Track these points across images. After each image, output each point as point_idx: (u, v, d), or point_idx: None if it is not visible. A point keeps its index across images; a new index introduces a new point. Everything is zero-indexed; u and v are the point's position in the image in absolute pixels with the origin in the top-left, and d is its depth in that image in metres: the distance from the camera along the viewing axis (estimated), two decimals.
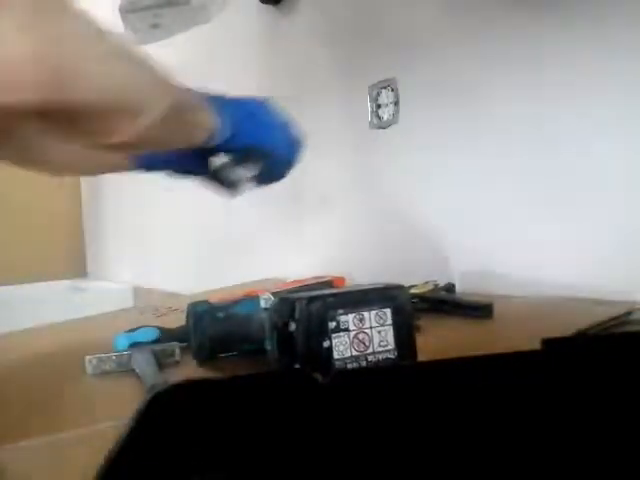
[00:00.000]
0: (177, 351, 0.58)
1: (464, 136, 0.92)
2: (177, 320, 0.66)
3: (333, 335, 0.42)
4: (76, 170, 0.76)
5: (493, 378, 0.30)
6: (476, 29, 0.88)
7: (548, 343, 0.30)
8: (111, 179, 2.15)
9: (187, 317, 0.59)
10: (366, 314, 0.44)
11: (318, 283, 0.84)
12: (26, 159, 0.70)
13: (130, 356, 0.56)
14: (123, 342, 0.61)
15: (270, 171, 0.68)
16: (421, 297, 0.77)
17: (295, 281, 0.90)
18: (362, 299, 0.44)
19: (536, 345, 0.30)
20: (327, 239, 1.20)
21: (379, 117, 1.06)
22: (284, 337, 0.44)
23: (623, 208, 0.74)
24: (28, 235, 2.18)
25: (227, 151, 0.63)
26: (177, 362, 0.58)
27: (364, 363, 0.43)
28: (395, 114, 1.02)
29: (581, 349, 0.31)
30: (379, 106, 1.05)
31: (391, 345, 0.44)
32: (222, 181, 0.67)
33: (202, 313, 0.57)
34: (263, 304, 0.56)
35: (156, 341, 0.62)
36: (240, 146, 0.62)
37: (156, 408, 0.26)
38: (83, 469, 0.24)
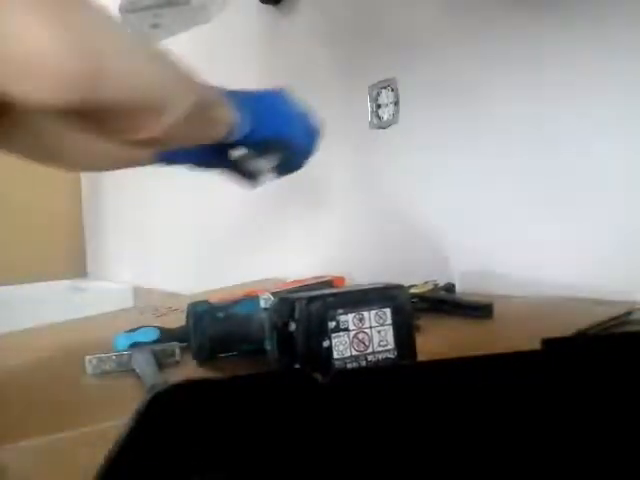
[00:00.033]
0: (177, 351, 0.58)
1: (464, 136, 0.92)
2: (177, 320, 0.66)
3: (333, 335, 0.42)
4: (96, 165, 0.77)
5: (493, 378, 0.30)
6: (476, 29, 0.88)
7: (548, 343, 0.30)
8: (111, 179, 2.15)
9: (187, 317, 0.59)
10: (366, 314, 0.44)
11: (318, 283, 0.84)
12: (43, 153, 0.70)
13: (130, 356, 0.56)
14: (123, 342, 0.61)
15: (289, 161, 0.69)
16: (421, 297, 0.77)
17: (295, 281, 0.90)
18: (362, 299, 0.44)
19: (536, 345, 0.30)
20: (327, 239, 1.20)
21: (379, 117, 1.06)
22: (284, 337, 0.44)
23: (623, 208, 0.74)
24: (28, 235, 2.18)
25: (247, 145, 0.64)
26: (177, 362, 0.58)
27: (364, 363, 0.43)
28: (395, 114, 1.02)
29: (581, 349, 0.31)
30: (379, 106, 1.05)
31: (391, 345, 0.44)
32: (242, 172, 0.68)
33: (202, 313, 0.57)
34: (263, 304, 0.56)
35: (156, 341, 0.62)
36: (259, 139, 0.63)
37: (156, 408, 0.26)
38: (83, 469, 0.24)
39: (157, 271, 1.88)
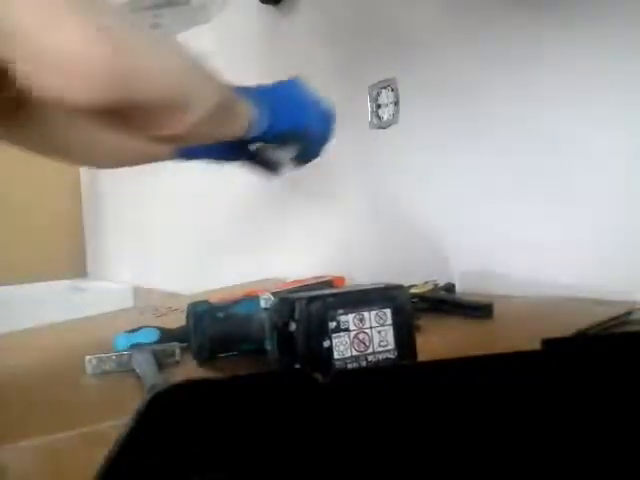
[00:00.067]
0: (177, 351, 0.58)
1: (464, 136, 0.92)
2: (177, 320, 0.66)
3: (333, 335, 0.42)
4: (117, 161, 0.78)
5: (493, 378, 0.30)
6: (476, 29, 0.88)
7: (548, 343, 0.30)
8: (111, 179, 2.15)
9: (187, 317, 0.59)
10: (366, 314, 0.44)
11: (318, 283, 0.84)
12: (58, 149, 0.71)
13: (130, 356, 0.56)
14: (123, 342, 0.61)
15: (308, 150, 0.71)
16: (421, 297, 0.77)
17: (295, 281, 0.89)
18: (362, 299, 0.44)
19: (536, 345, 0.30)
20: (327, 239, 1.20)
21: (379, 117, 1.06)
22: (284, 337, 0.44)
23: (623, 208, 0.74)
24: (28, 235, 2.18)
25: (265, 139, 0.65)
26: (177, 362, 0.58)
27: (364, 363, 0.43)
28: (395, 114, 1.02)
29: (581, 349, 0.31)
30: (379, 106, 1.05)
31: (391, 345, 0.44)
32: (262, 164, 0.70)
33: (202, 313, 0.57)
34: (263, 304, 0.56)
35: (156, 342, 0.62)
36: (277, 132, 0.64)
37: (156, 408, 0.26)
38: (83, 469, 0.24)
39: (157, 271, 1.88)
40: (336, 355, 0.42)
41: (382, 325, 0.44)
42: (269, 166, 0.70)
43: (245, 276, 1.21)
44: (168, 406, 0.27)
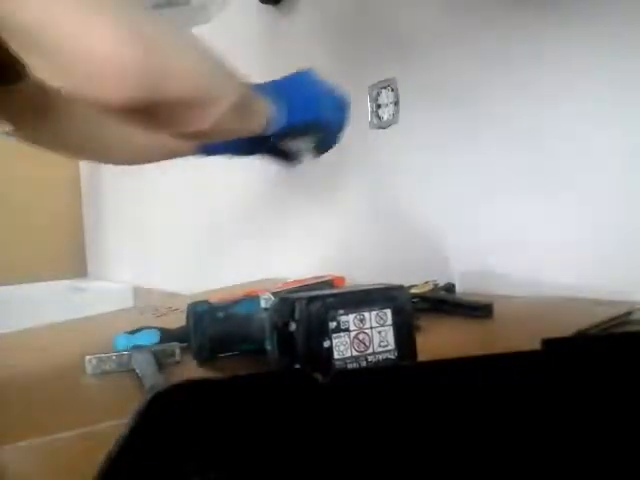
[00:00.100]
0: (177, 351, 0.58)
1: (464, 136, 0.92)
2: (177, 320, 0.66)
3: (333, 335, 0.42)
4: (139, 157, 0.79)
5: (493, 378, 0.30)
6: (476, 29, 0.88)
7: (548, 343, 0.30)
8: (111, 179, 2.15)
9: (187, 317, 0.59)
10: (366, 314, 0.44)
11: (318, 283, 0.84)
12: (79, 146, 0.72)
13: (130, 356, 0.56)
14: (123, 343, 0.61)
15: (325, 139, 0.73)
16: (421, 297, 0.77)
17: (295, 281, 0.89)
18: (362, 299, 0.44)
19: (536, 345, 0.30)
20: (327, 239, 1.20)
21: (379, 117, 1.06)
22: (284, 337, 0.44)
23: (623, 207, 0.74)
24: (28, 235, 2.18)
25: (284, 134, 0.66)
26: (177, 362, 0.58)
27: (364, 363, 0.43)
28: (395, 114, 1.02)
29: (581, 349, 0.31)
30: (379, 106, 1.05)
31: (391, 345, 0.44)
32: (281, 156, 0.72)
33: (202, 313, 0.57)
34: (263, 304, 0.56)
35: (157, 343, 0.62)
36: (295, 126, 0.66)
37: (156, 408, 0.26)
38: (83, 469, 0.24)
39: (157, 271, 1.88)
40: (336, 355, 0.42)
41: (382, 325, 0.44)
42: (288, 157, 0.72)
43: (245, 276, 1.21)
44: (168, 406, 0.27)
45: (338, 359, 0.42)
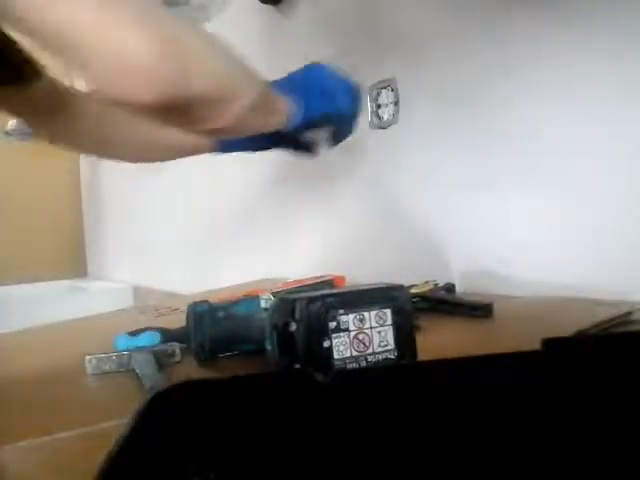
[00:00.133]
0: (177, 351, 0.58)
1: (464, 136, 0.92)
2: (177, 320, 0.66)
3: (333, 335, 0.42)
4: (158, 155, 0.81)
5: (493, 378, 0.30)
6: (476, 29, 0.88)
7: (548, 343, 0.30)
8: (111, 179, 2.15)
9: (187, 317, 0.59)
10: (366, 314, 0.44)
11: (318, 283, 0.84)
12: (94, 144, 0.73)
13: (130, 356, 0.56)
14: (123, 343, 0.61)
15: (341, 129, 0.75)
16: (421, 297, 0.77)
17: (295, 281, 0.90)
18: (362, 299, 0.44)
19: (536, 345, 0.30)
20: (327, 239, 1.20)
21: (379, 117, 1.06)
22: (284, 337, 0.44)
23: (623, 208, 0.74)
24: (28, 235, 2.18)
25: (301, 128, 0.68)
26: (177, 362, 0.58)
27: (364, 363, 0.43)
28: (395, 114, 1.02)
29: (581, 349, 0.31)
30: (379, 106, 1.05)
31: (391, 345, 0.44)
32: (298, 148, 0.75)
33: (202, 313, 0.57)
34: (263, 304, 0.56)
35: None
36: (312, 120, 0.67)
37: (156, 408, 0.26)
38: (83, 469, 0.24)
39: (157, 271, 1.88)
40: (336, 355, 0.42)
41: (382, 325, 0.44)
42: (306, 149, 0.74)
43: (245, 276, 1.21)
44: (168, 406, 0.27)
45: (338, 359, 0.42)
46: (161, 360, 0.56)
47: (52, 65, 0.60)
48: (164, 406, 0.27)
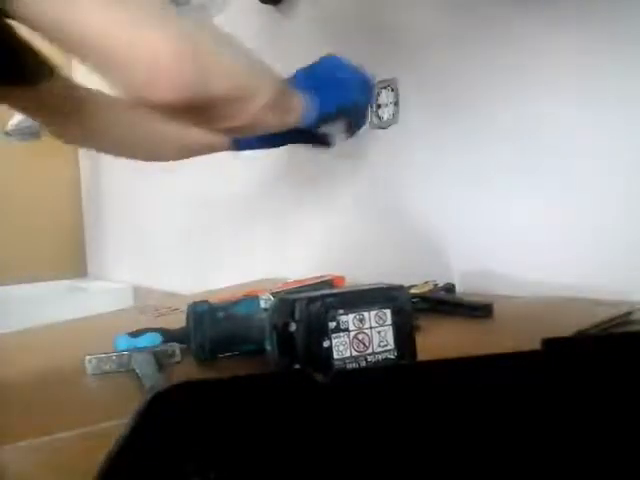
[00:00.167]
0: (177, 352, 0.58)
1: (464, 136, 0.92)
2: (177, 320, 0.66)
3: (333, 335, 0.42)
4: (173, 153, 0.81)
5: (493, 378, 0.30)
6: (476, 29, 0.88)
7: (548, 343, 0.30)
8: (111, 179, 2.15)
9: (187, 317, 0.59)
10: (366, 314, 0.44)
11: (318, 283, 0.84)
12: (109, 143, 0.74)
13: (130, 356, 0.56)
14: (124, 343, 0.61)
15: (356, 120, 0.76)
16: (421, 297, 0.77)
17: (295, 281, 0.90)
18: (362, 299, 0.44)
19: (536, 345, 0.30)
20: (327, 239, 1.20)
21: (379, 117, 1.06)
22: (284, 337, 0.44)
23: (623, 208, 0.74)
24: (28, 235, 2.18)
25: (318, 123, 0.69)
26: (177, 363, 0.58)
27: (364, 363, 0.43)
28: (395, 114, 1.02)
29: (581, 349, 0.31)
30: (379, 106, 1.05)
31: (391, 345, 0.44)
32: (315, 142, 0.76)
33: (202, 313, 0.57)
34: (263, 304, 0.56)
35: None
36: (327, 114, 0.69)
37: (156, 408, 0.26)
38: (83, 469, 0.24)
39: (157, 271, 1.87)
40: (335, 355, 0.42)
41: (382, 325, 0.44)
42: (321, 142, 0.75)
43: (245, 276, 1.21)
44: (168, 406, 0.27)
45: (337, 359, 0.42)
46: (161, 360, 0.56)
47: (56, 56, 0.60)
48: (164, 406, 0.27)
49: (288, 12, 1.25)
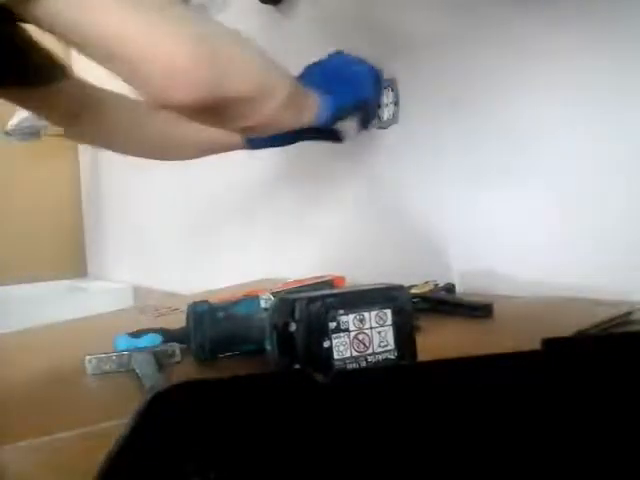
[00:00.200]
0: (177, 352, 0.58)
1: (464, 136, 0.92)
2: (177, 320, 0.66)
3: (333, 335, 0.42)
4: (187, 152, 0.82)
5: (493, 378, 0.30)
6: (476, 29, 0.88)
7: (548, 343, 0.30)
8: (111, 179, 2.15)
9: (187, 317, 0.59)
10: (366, 314, 0.44)
11: (318, 283, 0.84)
12: (121, 142, 0.75)
13: (130, 356, 0.56)
14: (124, 343, 0.61)
15: (367, 114, 0.78)
16: (421, 297, 0.77)
17: (295, 281, 0.89)
18: (362, 299, 0.44)
19: (536, 345, 0.30)
20: (327, 239, 1.20)
21: (379, 117, 1.05)
22: (284, 337, 0.44)
23: (623, 208, 0.74)
24: (28, 235, 2.18)
25: (331, 120, 0.70)
26: (177, 363, 0.58)
27: (364, 363, 0.43)
28: (395, 114, 1.02)
29: (581, 349, 0.31)
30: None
31: (391, 345, 0.44)
32: (328, 138, 0.77)
33: (202, 313, 0.57)
34: (263, 304, 0.56)
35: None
36: (340, 111, 0.69)
37: (156, 408, 0.26)
38: (83, 469, 0.24)
39: (157, 271, 1.87)
40: (336, 355, 0.42)
41: (382, 325, 0.44)
42: (335, 137, 0.76)
43: (245, 276, 1.21)
44: (168, 406, 0.27)
45: (338, 359, 0.42)
46: (161, 360, 0.56)
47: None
48: (164, 406, 0.27)
49: (288, 12, 1.25)
